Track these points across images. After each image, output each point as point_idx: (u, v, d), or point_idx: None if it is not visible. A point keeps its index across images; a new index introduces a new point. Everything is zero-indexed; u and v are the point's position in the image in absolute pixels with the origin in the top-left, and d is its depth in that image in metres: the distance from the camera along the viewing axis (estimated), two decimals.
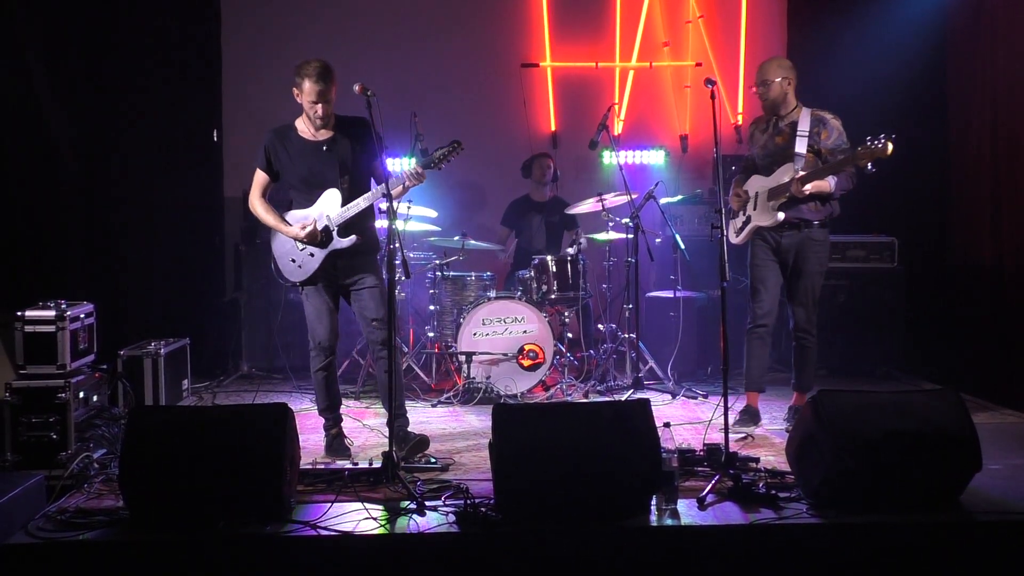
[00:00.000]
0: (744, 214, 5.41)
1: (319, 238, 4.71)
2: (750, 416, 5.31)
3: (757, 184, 5.35)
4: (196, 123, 7.36)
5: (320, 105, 4.64)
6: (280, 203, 4.93)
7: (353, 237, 4.72)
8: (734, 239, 5.50)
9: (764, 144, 5.36)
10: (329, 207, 4.73)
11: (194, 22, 7.37)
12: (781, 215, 5.15)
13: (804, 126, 5.14)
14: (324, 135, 4.77)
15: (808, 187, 5.04)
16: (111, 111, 6.78)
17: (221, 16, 7.59)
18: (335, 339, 4.89)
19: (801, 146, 5.12)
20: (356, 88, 4.43)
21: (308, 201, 4.77)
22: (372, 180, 4.83)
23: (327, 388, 4.92)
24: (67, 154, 6.29)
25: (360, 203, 4.69)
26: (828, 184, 5.07)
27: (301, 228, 4.71)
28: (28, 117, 5.92)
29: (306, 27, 7.68)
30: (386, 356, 4.58)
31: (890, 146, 4.70)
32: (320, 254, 4.75)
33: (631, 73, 7.97)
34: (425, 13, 7.82)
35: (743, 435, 5.13)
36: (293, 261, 4.81)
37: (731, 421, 5.26)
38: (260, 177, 4.85)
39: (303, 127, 4.79)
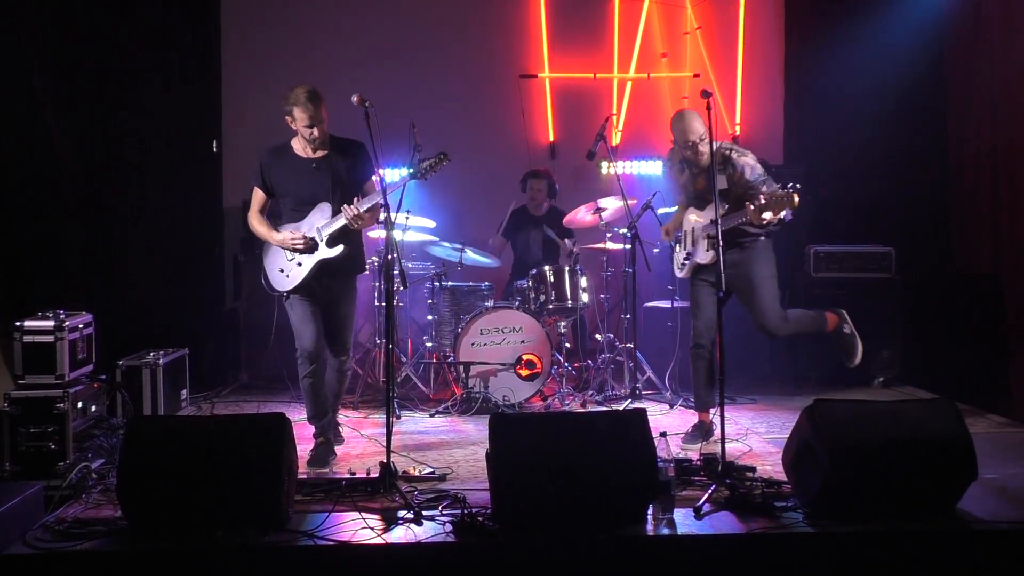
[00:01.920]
0: (684, 249, 5.37)
1: (307, 244, 4.81)
2: (702, 432, 5.26)
3: (693, 219, 5.30)
4: (196, 133, 7.39)
5: (315, 128, 4.75)
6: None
7: (341, 247, 4.82)
8: (678, 273, 5.48)
9: (684, 185, 5.34)
10: (319, 219, 4.84)
11: (195, 33, 7.40)
12: (713, 255, 4.91)
13: (715, 163, 4.90)
14: (319, 154, 4.89)
15: (767, 215, 4.84)
16: (112, 121, 6.82)
17: (221, 28, 7.62)
18: (322, 346, 4.97)
19: (721, 182, 5.00)
20: (355, 99, 4.46)
21: (300, 216, 4.89)
22: None
23: (314, 395, 4.99)
24: (67, 163, 6.32)
25: (352, 209, 4.74)
26: (781, 215, 4.91)
27: (291, 233, 4.83)
28: (29, 127, 5.95)
29: (305, 39, 7.72)
30: (341, 370, 5.09)
31: (796, 197, 4.63)
32: (308, 263, 4.84)
33: (629, 84, 8.00)
34: (424, 24, 7.85)
35: (696, 448, 5.05)
36: (282, 271, 4.91)
37: (685, 434, 5.30)
38: (257, 195, 4.99)
39: (298, 146, 4.91)
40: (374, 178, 5.02)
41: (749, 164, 5.06)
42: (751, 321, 5.27)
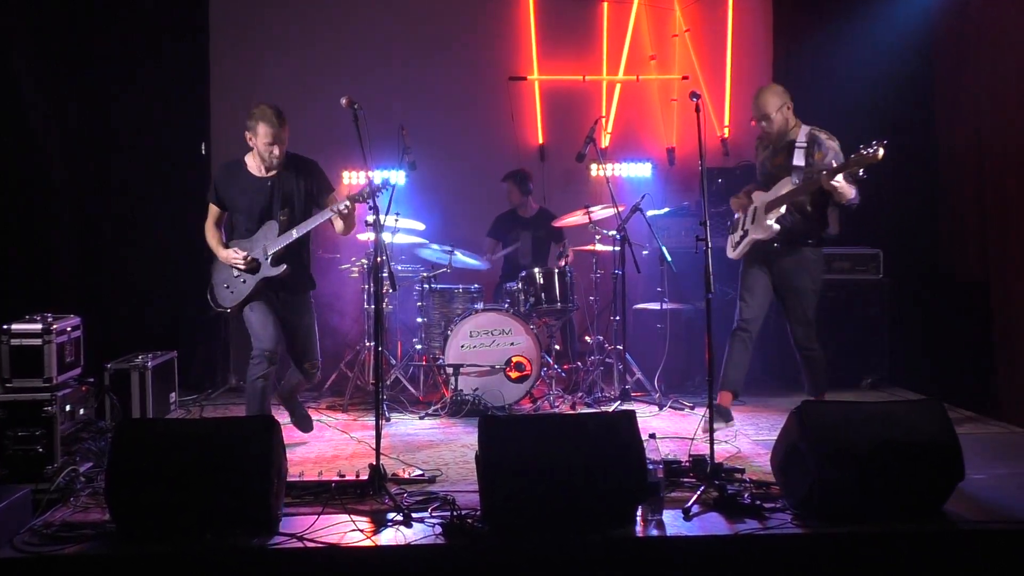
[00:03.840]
0: (741, 229, 5.42)
1: (249, 265, 4.98)
2: (720, 415, 5.33)
3: (757, 199, 5.38)
4: (184, 136, 7.37)
5: (275, 147, 4.90)
6: None
7: (283, 266, 4.99)
8: (731, 253, 5.54)
9: (762, 162, 5.40)
10: (266, 237, 5.00)
11: (183, 37, 7.38)
12: (776, 225, 5.15)
13: (801, 140, 5.16)
14: (272, 172, 5.03)
15: (836, 181, 4.93)
16: (100, 125, 6.81)
17: (209, 30, 7.60)
18: (278, 348, 5.09)
19: (799, 158, 5.11)
20: (343, 101, 4.47)
21: (250, 232, 5.05)
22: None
23: (261, 400, 5.01)
24: (56, 167, 6.31)
25: (292, 233, 4.95)
26: (851, 191, 5.02)
27: (234, 251, 4.98)
28: (17, 130, 5.94)
29: (294, 41, 7.71)
30: (310, 381, 5.39)
31: (881, 151, 4.69)
32: (251, 281, 5.01)
33: (618, 86, 8.02)
34: (414, 27, 7.85)
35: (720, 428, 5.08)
36: (227, 287, 5.07)
37: (704, 424, 5.30)
38: (212, 209, 5.16)
39: (252, 163, 5.05)
40: (347, 181, 5.07)
41: (834, 149, 5.14)
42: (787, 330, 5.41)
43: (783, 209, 5.15)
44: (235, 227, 5.16)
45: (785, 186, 5.15)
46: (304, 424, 5.47)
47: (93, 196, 6.74)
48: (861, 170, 4.84)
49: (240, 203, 5.05)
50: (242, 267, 4.98)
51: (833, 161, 5.08)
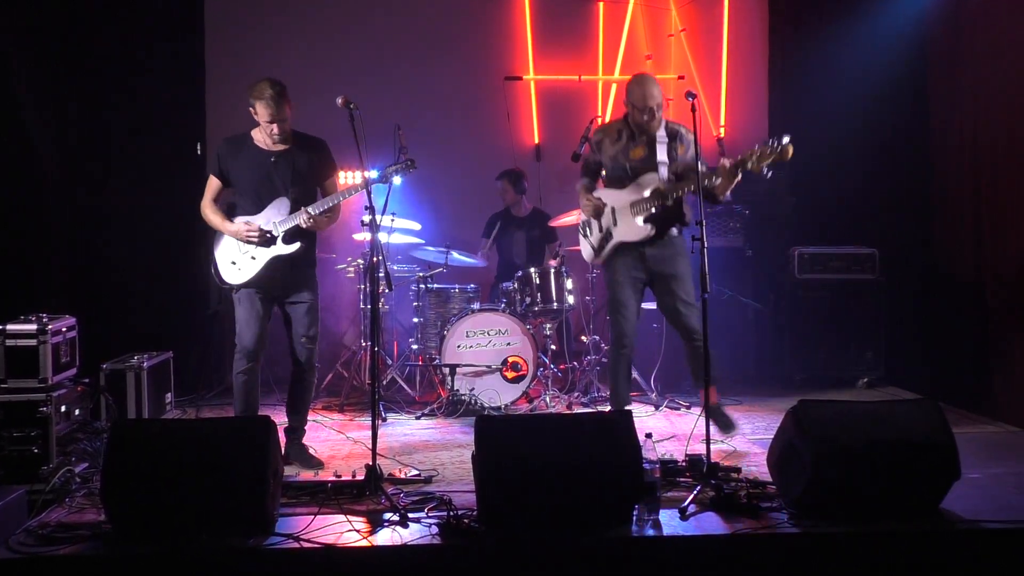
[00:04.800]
0: (599, 231, 5.20)
1: (263, 238, 4.78)
2: None
3: (612, 198, 5.14)
4: (179, 136, 7.36)
5: (275, 124, 4.73)
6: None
7: (297, 244, 4.81)
8: (593, 259, 5.35)
9: (615, 156, 5.15)
10: (276, 214, 4.81)
11: (178, 37, 7.37)
12: (649, 225, 4.95)
13: (662, 133, 4.99)
14: (279, 147, 4.85)
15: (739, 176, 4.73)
16: (97, 125, 6.80)
17: (205, 30, 7.59)
18: (261, 347, 4.93)
19: (663, 153, 4.95)
20: (339, 101, 4.47)
21: (256, 208, 4.84)
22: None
23: (246, 394, 4.93)
24: (50, 167, 6.30)
25: (309, 211, 4.75)
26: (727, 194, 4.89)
27: (245, 225, 4.78)
28: (11, 129, 5.93)
29: (290, 40, 7.69)
30: (306, 376, 5.00)
31: (790, 149, 4.48)
32: (262, 257, 4.82)
33: (614, 86, 8.01)
34: (410, 27, 7.84)
35: None
36: (233, 263, 4.86)
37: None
38: (212, 183, 4.94)
39: (259, 137, 4.87)
40: (344, 180, 4.99)
41: (692, 143, 4.93)
42: (670, 319, 5.21)
43: (653, 208, 4.95)
44: (237, 204, 4.91)
45: (652, 183, 4.93)
46: (312, 465, 4.99)
47: (89, 196, 6.73)
48: (765, 167, 4.59)
49: (245, 178, 4.85)
50: (256, 241, 4.79)
51: (693, 153, 4.81)
